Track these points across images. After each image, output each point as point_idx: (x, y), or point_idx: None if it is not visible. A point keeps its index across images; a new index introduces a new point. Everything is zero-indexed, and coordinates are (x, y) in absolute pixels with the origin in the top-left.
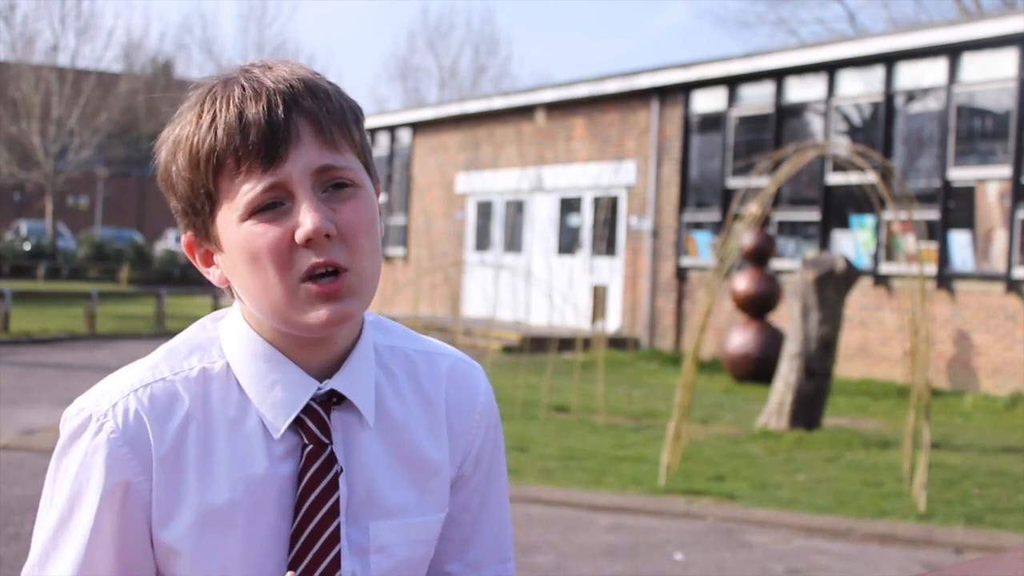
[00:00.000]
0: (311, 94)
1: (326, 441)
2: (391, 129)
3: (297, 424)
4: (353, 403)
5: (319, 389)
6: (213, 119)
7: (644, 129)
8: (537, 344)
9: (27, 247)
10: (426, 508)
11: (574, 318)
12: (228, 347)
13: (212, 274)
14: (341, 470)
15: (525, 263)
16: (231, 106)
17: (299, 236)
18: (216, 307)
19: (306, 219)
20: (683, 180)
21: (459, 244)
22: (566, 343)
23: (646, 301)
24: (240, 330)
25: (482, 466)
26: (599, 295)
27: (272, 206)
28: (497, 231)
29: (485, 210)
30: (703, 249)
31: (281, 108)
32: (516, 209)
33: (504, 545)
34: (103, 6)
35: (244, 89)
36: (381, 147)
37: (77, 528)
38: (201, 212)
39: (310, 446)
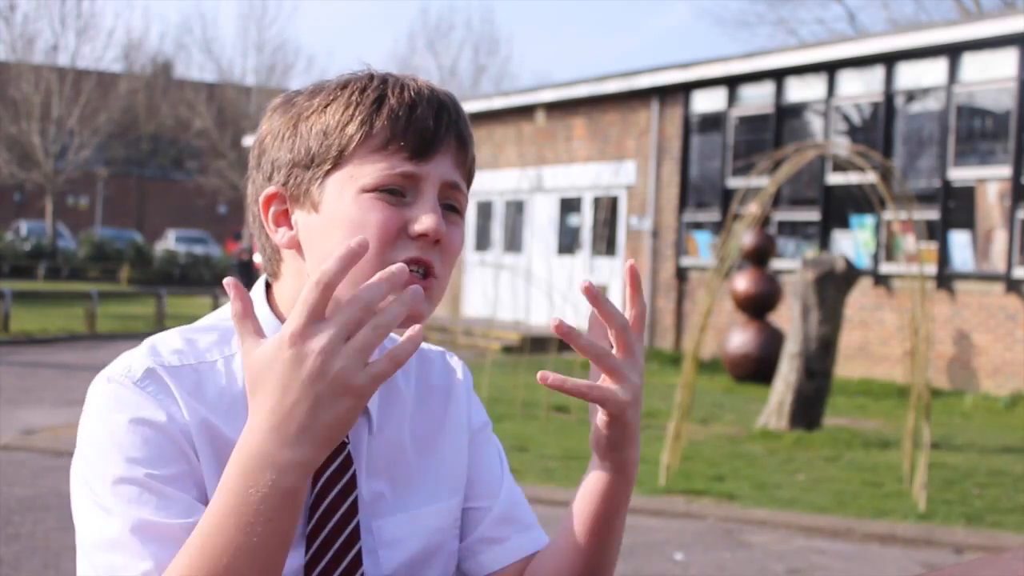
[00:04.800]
0: (464, 121)
1: (345, 440)
2: None
3: None
4: (366, 407)
5: None
6: (381, 98)
7: (644, 129)
8: (537, 344)
9: (27, 247)
10: (436, 495)
11: (574, 318)
12: None
13: (280, 234)
14: (355, 472)
15: (525, 263)
16: (405, 94)
17: (418, 227)
18: (216, 307)
19: (429, 217)
20: (683, 180)
21: None
22: (566, 343)
23: (646, 301)
24: (266, 321)
25: (478, 435)
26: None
27: (395, 192)
28: (497, 231)
29: (485, 210)
30: (703, 249)
31: (446, 117)
32: (516, 209)
33: (520, 515)
34: (103, 6)
35: (418, 87)
36: None
37: (134, 475)
38: (316, 168)
39: None
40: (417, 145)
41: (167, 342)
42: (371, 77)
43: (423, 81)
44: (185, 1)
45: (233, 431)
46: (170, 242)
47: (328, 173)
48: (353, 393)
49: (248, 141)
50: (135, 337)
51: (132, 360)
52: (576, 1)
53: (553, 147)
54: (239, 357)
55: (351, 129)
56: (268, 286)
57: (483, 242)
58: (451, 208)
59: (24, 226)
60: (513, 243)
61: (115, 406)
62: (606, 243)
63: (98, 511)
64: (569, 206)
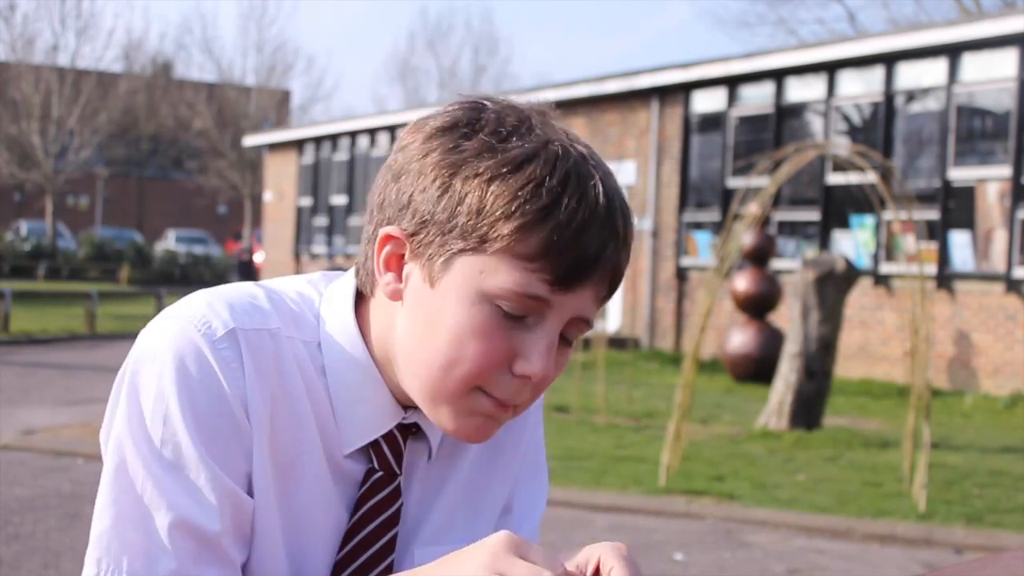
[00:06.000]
0: (627, 245)
1: (397, 472)
2: (391, 129)
3: (370, 446)
4: (427, 437)
5: (403, 419)
6: (555, 204)
7: (644, 129)
8: None
9: (27, 247)
10: (476, 529)
11: None
12: (327, 328)
13: (388, 279)
14: (402, 505)
15: None
16: (580, 210)
17: (521, 369)
18: None
19: (539, 361)
20: (683, 180)
21: None
22: None
23: (646, 301)
24: (347, 324)
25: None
26: None
27: (517, 316)
28: None
29: None
30: (703, 249)
31: (611, 246)
32: None
33: None
34: (103, 6)
35: (596, 201)
36: (381, 148)
37: (188, 447)
38: (453, 241)
39: (379, 473)
40: (564, 273)
41: (246, 297)
42: (555, 165)
43: (609, 185)
44: (185, 1)
45: (297, 416)
46: (170, 242)
47: (461, 252)
48: None
49: (248, 141)
50: (135, 337)
51: (210, 313)
52: (576, 1)
53: None
54: (305, 343)
55: (505, 228)
56: (360, 296)
57: None
58: (567, 340)
59: (24, 226)
60: None
61: (180, 367)
62: None
63: (135, 489)
64: None
